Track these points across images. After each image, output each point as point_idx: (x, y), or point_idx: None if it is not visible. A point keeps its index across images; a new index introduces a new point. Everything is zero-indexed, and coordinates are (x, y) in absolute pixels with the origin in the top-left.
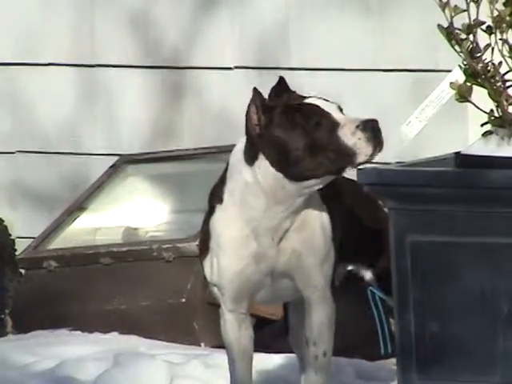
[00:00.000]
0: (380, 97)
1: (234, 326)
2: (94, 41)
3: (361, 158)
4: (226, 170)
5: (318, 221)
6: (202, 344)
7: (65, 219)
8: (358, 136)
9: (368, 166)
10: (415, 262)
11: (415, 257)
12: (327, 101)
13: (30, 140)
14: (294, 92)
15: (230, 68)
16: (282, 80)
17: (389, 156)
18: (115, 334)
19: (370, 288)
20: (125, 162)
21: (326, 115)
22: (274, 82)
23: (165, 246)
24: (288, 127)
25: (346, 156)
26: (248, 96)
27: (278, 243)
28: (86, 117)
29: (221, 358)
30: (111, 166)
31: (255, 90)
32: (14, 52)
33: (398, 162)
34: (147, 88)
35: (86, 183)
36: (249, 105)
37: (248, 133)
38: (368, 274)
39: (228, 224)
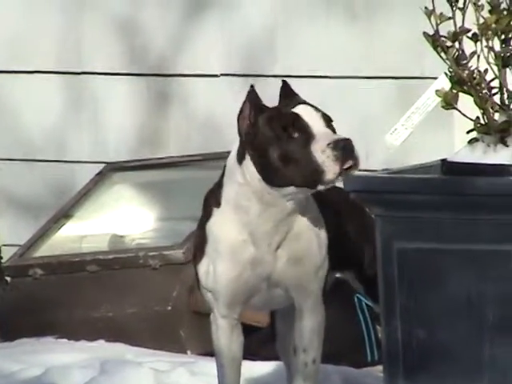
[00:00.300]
0: (366, 104)
1: (226, 332)
2: (80, 48)
3: (329, 176)
4: (222, 174)
5: (314, 228)
6: (188, 351)
7: (51, 227)
8: (327, 154)
9: (354, 173)
10: (402, 269)
11: (402, 264)
12: (318, 110)
13: (15, 147)
14: (296, 96)
15: (216, 75)
16: (285, 84)
17: (375, 163)
18: (102, 341)
19: (357, 295)
20: (111, 170)
21: (303, 128)
22: (259, 89)
23: (151, 254)
24: (268, 134)
25: (315, 172)
26: (234, 103)
27: (276, 250)
28: (72, 124)
29: (207, 365)
30: (97, 174)
31: (252, 88)
32: (0, 59)
33: (384, 169)
34: (133, 95)
35: (72, 191)
36: (244, 101)
37: (238, 130)
38: (355, 281)
39: (225, 228)
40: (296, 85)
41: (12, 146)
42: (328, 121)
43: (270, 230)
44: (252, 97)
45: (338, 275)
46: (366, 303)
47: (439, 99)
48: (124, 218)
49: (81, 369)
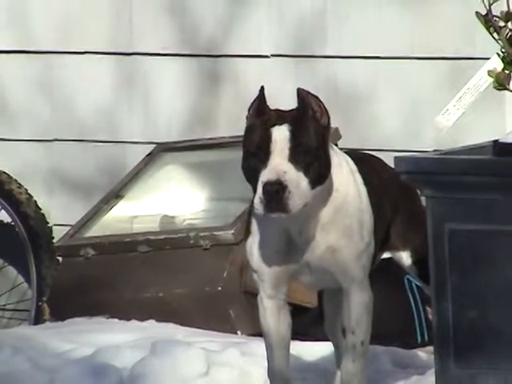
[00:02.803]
0: (417, 85)
1: (273, 313)
2: (131, 29)
3: (259, 211)
4: None
5: (356, 213)
6: (239, 332)
7: (102, 207)
8: (259, 192)
9: (405, 154)
10: (453, 251)
11: (453, 245)
12: (293, 135)
13: (67, 128)
14: (292, 110)
15: (266, 56)
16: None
17: (426, 144)
18: (152, 321)
19: (407, 276)
20: (162, 150)
21: (265, 154)
22: (310, 70)
23: (202, 234)
24: (245, 140)
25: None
26: (284, 84)
27: (313, 238)
28: (123, 105)
29: (257, 346)
30: (148, 154)
31: (261, 88)
32: (52, 40)
33: (435, 151)
34: (184, 76)
35: (123, 171)
36: (253, 100)
37: None
38: (408, 263)
39: None
40: (346, 66)
41: (64, 127)
42: (298, 149)
43: (294, 219)
44: (258, 98)
45: (388, 256)
46: (416, 284)
47: (491, 80)
48: (175, 199)
49: (132, 348)
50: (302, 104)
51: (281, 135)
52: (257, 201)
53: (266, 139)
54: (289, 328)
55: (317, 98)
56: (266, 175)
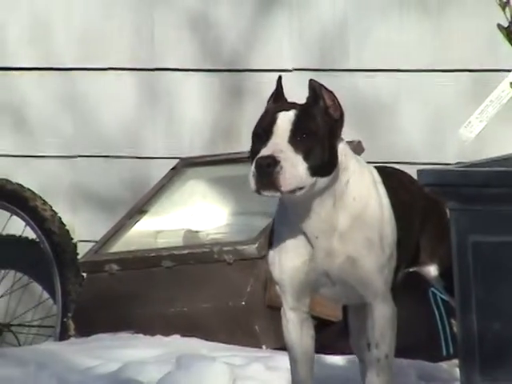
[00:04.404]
0: (439, 97)
1: (296, 326)
2: (153, 44)
3: (250, 187)
4: None
5: (377, 225)
6: (263, 346)
7: (126, 222)
8: (252, 166)
9: (428, 166)
10: (477, 263)
11: (477, 257)
12: (299, 119)
13: (90, 144)
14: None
15: (288, 70)
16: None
17: (449, 156)
18: (177, 336)
19: (432, 289)
20: (185, 165)
21: (265, 138)
22: (332, 83)
23: (225, 249)
24: (255, 124)
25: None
26: (305, 97)
27: (331, 248)
28: (146, 120)
29: (282, 360)
30: (172, 169)
31: (279, 77)
32: (75, 57)
33: (458, 163)
34: (207, 91)
35: (146, 186)
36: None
37: None
38: (435, 276)
39: (286, 221)
40: (369, 79)
41: (88, 143)
42: (300, 132)
43: (307, 224)
44: (276, 87)
45: (413, 269)
46: (440, 297)
47: None
48: (198, 213)
49: (157, 364)
50: (313, 94)
51: (285, 118)
52: (249, 177)
53: (272, 122)
54: (312, 341)
55: (331, 92)
56: (261, 152)
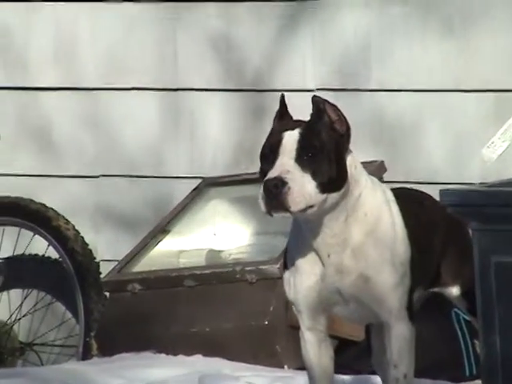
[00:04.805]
0: (462, 117)
1: (314, 345)
2: (176, 65)
3: (261, 209)
4: None
5: (389, 243)
6: (285, 366)
7: (148, 242)
8: (260, 189)
9: (451, 186)
10: (500, 283)
11: (500, 278)
12: (303, 137)
13: (113, 164)
14: (306, 121)
15: (311, 90)
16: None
17: (472, 176)
18: (199, 356)
19: (455, 309)
20: (208, 185)
21: (272, 159)
22: (354, 103)
23: (248, 269)
24: (262, 145)
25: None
26: None
27: (342, 266)
28: (169, 140)
29: (304, 380)
30: (194, 189)
31: (281, 96)
32: (99, 77)
33: (481, 183)
34: (229, 111)
35: (169, 206)
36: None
37: None
38: (456, 296)
39: (299, 242)
40: (391, 99)
41: (111, 162)
42: (306, 151)
43: (320, 240)
44: (279, 105)
45: (436, 290)
46: (463, 318)
47: None
48: (221, 233)
49: (179, 383)
50: (317, 111)
51: (291, 138)
52: (259, 199)
53: (277, 142)
54: (331, 361)
55: (335, 107)
56: (269, 174)
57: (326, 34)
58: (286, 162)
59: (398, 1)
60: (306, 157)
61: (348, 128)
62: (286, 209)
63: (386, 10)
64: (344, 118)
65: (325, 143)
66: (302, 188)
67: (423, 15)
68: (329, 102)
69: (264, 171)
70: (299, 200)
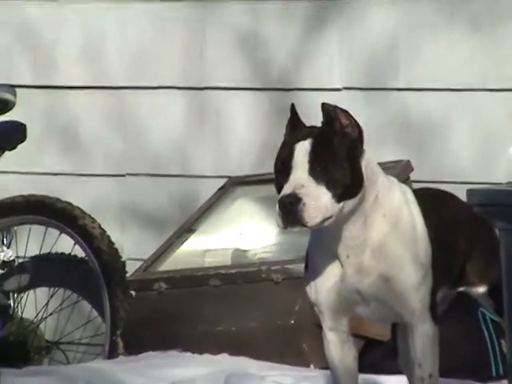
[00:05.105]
0: (489, 116)
1: (337, 346)
2: (203, 63)
3: (278, 226)
4: None
5: (410, 244)
6: (312, 365)
7: (174, 241)
8: (277, 206)
9: (478, 186)
10: None
11: None
12: (314, 149)
13: (139, 162)
14: (302, 124)
15: (338, 89)
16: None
17: (499, 176)
18: (225, 355)
19: (481, 309)
20: (234, 184)
21: (287, 169)
22: (381, 102)
23: (273, 268)
24: (276, 158)
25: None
26: (356, 116)
27: (361, 263)
28: (195, 139)
29: (330, 379)
30: (220, 188)
31: (292, 105)
32: (125, 75)
33: (508, 183)
34: (256, 109)
35: (195, 205)
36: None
37: None
38: (483, 296)
39: (318, 243)
40: (418, 98)
41: (137, 161)
42: (319, 162)
43: (340, 243)
44: (290, 115)
45: (461, 289)
46: (490, 317)
47: None
48: (246, 232)
49: (205, 382)
50: (327, 118)
51: (302, 150)
52: (276, 215)
53: (290, 155)
54: (355, 361)
55: (346, 111)
56: (284, 190)
57: (353, 33)
58: (300, 176)
59: None
60: (319, 168)
61: (360, 131)
62: (303, 224)
63: (413, 9)
64: (355, 121)
65: (337, 151)
66: (318, 201)
67: (450, 13)
68: (339, 108)
69: (279, 185)
70: (315, 215)
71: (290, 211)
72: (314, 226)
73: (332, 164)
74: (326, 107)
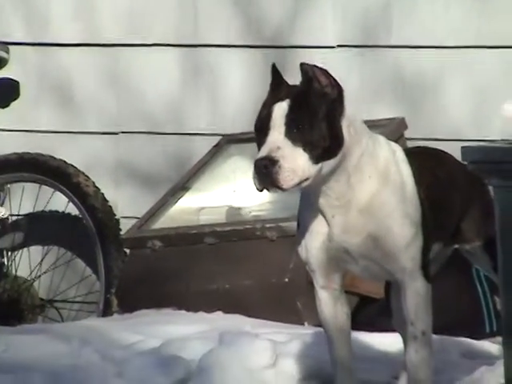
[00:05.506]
0: (484, 74)
1: (329, 304)
2: (196, 21)
3: (254, 187)
4: None
5: (398, 204)
6: (306, 323)
7: (168, 199)
8: (253, 167)
9: (472, 144)
10: None
11: None
12: (292, 110)
13: (133, 120)
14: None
15: (332, 47)
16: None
17: (494, 133)
18: (219, 313)
19: (475, 266)
20: (228, 142)
21: (264, 134)
22: (375, 60)
23: (268, 226)
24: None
25: None
26: (350, 74)
27: (348, 222)
28: (189, 97)
29: (324, 336)
30: (214, 146)
31: (273, 65)
32: (118, 33)
33: (503, 140)
34: (250, 67)
35: (189, 163)
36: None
37: None
38: (479, 253)
39: (307, 202)
40: (412, 56)
41: (131, 119)
42: (296, 123)
43: (324, 202)
44: (272, 75)
45: (456, 246)
46: (484, 274)
47: None
48: (241, 190)
49: (199, 340)
50: (306, 77)
51: (280, 111)
52: (252, 177)
53: (268, 116)
54: (347, 318)
55: (325, 71)
56: (260, 152)
57: None
58: (276, 138)
59: None
60: (295, 129)
61: (340, 91)
62: (278, 187)
63: None
64: (335, 81)
65: (315, 112)
66: (294, 164)
67: None
68: (318, 67)
69: (258, 146)
70: (291, 177)
71: (265, 174)
72: (289, 188)
73: (309, 125)
74: (304, 67)
